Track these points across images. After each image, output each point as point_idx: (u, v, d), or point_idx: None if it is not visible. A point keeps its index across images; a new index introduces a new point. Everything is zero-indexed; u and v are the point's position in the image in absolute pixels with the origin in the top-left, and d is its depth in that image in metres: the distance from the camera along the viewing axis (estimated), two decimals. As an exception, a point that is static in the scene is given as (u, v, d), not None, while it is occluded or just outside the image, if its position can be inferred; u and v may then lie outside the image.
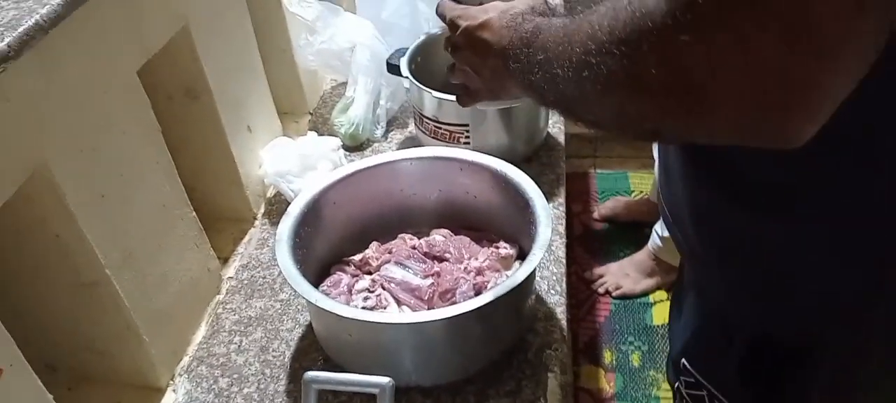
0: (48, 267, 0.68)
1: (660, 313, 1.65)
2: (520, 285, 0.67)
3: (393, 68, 1.04)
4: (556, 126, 1.12)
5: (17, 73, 0.56)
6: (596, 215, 1.83)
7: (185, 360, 0.81)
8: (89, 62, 0.66)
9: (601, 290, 1.68)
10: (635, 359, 1.56)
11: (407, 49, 1.04)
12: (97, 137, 0.68)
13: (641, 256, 1.68)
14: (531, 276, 0.71)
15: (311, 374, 0.58)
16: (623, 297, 1.68)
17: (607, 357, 1.57)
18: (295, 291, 0.69)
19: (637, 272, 1.68)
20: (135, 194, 0.74)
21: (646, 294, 1.68)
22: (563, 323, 0.81)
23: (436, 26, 1.10)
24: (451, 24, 0.62)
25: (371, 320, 0.65)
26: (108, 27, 0.68)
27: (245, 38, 0.98)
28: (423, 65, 1.05)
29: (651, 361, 1.56)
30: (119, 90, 0.71)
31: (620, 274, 1.70)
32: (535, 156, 1.05)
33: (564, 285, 0.86)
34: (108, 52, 0.69)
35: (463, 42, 0.60)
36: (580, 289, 1.70)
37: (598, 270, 1.72)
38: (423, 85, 0.98)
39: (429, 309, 0.75)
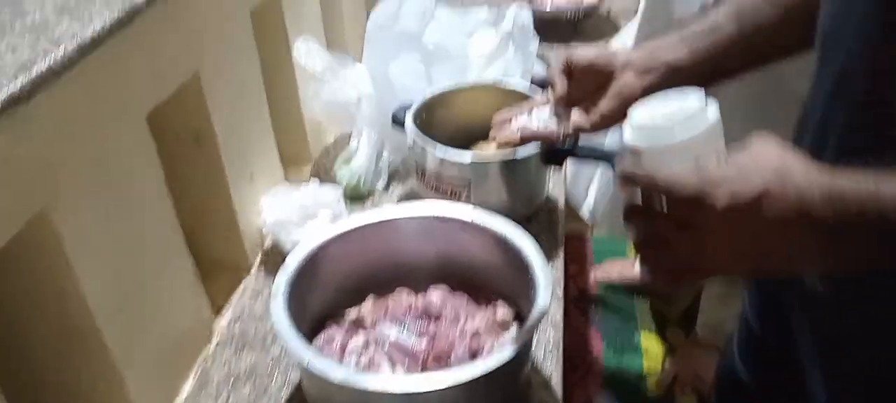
0: (38, 311, 0.66)
1: (654, 382, 1.63)
2: (515, 356, 0.66)
3: (398, 122, 1.05)
4: (556, 187, 1.12)
5: (26, 116, 0.56)
6: (596, 277, 1.82)
7: (171, 413, 0.79)
8: (100, 107, 0.66)
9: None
10: (628, 427, 1.54)
11: (412, 104, 1.05)
12: (101, 182, 0.67)
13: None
14: (528, 345, 0.70)
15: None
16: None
17: (600, 423, 1.54)
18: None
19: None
20: (134, 240, 0.73)
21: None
22: (559, 392, 0.80)
23: (441, 84, 1.11)
24: (691, 200, 0.46)
25: (361, 386, 0.63)
26: (121, 72, 0.69)
27: (254, 86, 0.99)
28: (428, 120, 1.06)
29: (644, 429, 1.53)
30: (127, 135, 0.71)
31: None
32: (534, 216, 1.05)
33: (560, 352, 0.85)
34: (119, 97, 0.69)
35: (723, 220, 0.46)
36: (574, 354, 1.68)
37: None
38: (427, 139, 0.98)
39: (423, 371, 0.74)
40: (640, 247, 0.51)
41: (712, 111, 0.50)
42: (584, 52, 0.71)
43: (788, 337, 0.67)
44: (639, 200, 0.50)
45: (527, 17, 1.16)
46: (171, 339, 0.80)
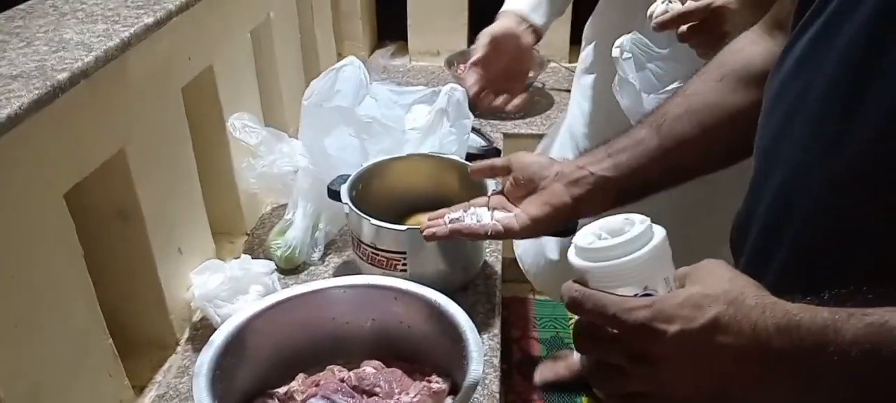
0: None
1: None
2: (447, 426, 0.65)
3: (333, 194, 1.05)
4: (492, 254, 1.14)
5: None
6: (537, 380, 1.71)
7: None
8: (13, 187, 0.64)
9: (538, 379, 1.66)
10: None
11: (348, 176, 1.06)
12: (15, 261, 0.65)
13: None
14: (460, 416, 0.69)
15: None
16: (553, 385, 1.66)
17: None
18: (211, 429, 0.65)
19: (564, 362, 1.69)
20: (51, 321, 0.70)
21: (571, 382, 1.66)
22: (495, 463, 0.79)
23: (376, 156, 1.13)
24: (642, 329, 0.45)
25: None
26: (38, 151, 0.67)
27: (184, 161, 0.98)
28: (364, 192, 1.07)
29: None
30: (44, 214, 0.69)
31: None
32: (471, 284, 1.06)
33: (497, 421, 0.85)
34: (35, 176, 0.67)
35: (676, 350, 0.44)
36: (518, 419, 1.66)
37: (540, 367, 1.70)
38: (363, 212, 0.99)
39: (355, 448, 0.72)
40: (593, 373, 0.49)
41: (658, 232, 0.49)
42: (523, 156, 0.74)
43: None
44: (588, 323, 0.49)
45: (461, 95, 1.19)
46: (88, 426, 0.76)
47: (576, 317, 0.50)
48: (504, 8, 1.07)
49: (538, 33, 1.05)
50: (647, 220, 0.49)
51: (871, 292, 0.42)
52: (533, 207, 0.70)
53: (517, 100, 1.04)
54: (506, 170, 0.74)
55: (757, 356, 0.43)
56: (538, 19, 1.04)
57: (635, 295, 0.47)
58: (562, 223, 0.73)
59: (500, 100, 0.97)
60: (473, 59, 0.95)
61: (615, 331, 0.47)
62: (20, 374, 0.65)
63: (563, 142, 1.31)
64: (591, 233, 0.51)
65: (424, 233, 0.73)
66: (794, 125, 0.52)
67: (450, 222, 0.73)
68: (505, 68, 1.04)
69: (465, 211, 0.74)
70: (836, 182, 0.49)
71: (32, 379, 0.67)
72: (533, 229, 0.70)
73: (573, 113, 1.31)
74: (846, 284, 0.44)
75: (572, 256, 0.51)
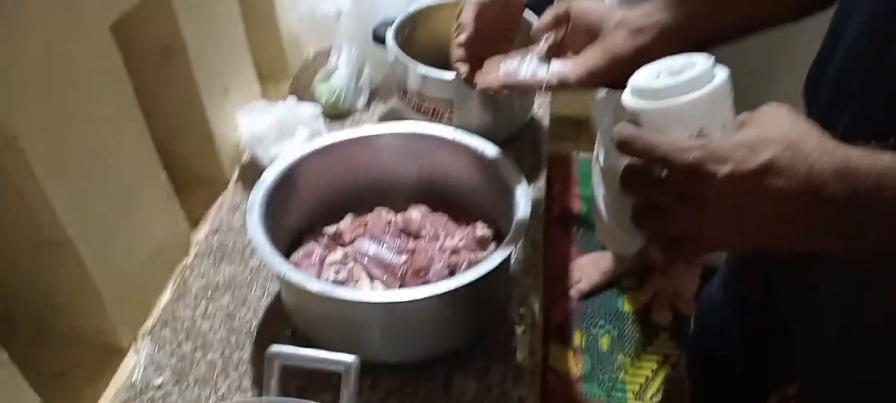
0: (9, 223, 0.65)
1: (631, 298, 1.66)
2: (493, 270, 0.66)
3: (379, 38, 1.02)
4: (541, 107, 1.11)
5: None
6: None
7: (149, 322, 0.79)
8: (59, 17, 0.63)
9: (576, 296, 1.67)
10: (604, 343, 1.58)
11: (394, 19, 1.02)
12: (65, 95, 0.65)
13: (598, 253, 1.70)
14: (506, 261, 0.70)
15: (274, 349, 0.57)
16: (589, 295, 1.68)
17: (577, 338, 1.59)
18: (265, 261, 0.68)
19: (596, 266, 1.70)
20: (103, 155, 0.71)
21: (607, 286, 1.68)
22: (536, 307, 0.81)
23: (422, 0, 1.08)
24: (691, 170, 0.43)
25: (340, 296, 0.64)
26: (80, -23, 0.65)
27: (226, -3, 0.95)
28: (409, 37, 1.03)
29: (620, 345, 1.57)
30: (90, 46, 0.68)
31: (589, 268, 1.71)
32: (518, 136, 1.04)
33: (540, 269, 0.86)
34: (79, 7, 0.66)
35: (726, 192, 0.43)
36: (555, 271, 1.71)
37: (574, 274, 1.71)
38: (409, 58, 0.96)
39: (401, 286, 0.75)
40: (637, 213, 0.48)
41: (720, 73, 0.46)
42: (582, 3, 0.67)
43: (773, 295, 0.67)
44: (637, 165, 0.47)
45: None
46: (147, 252, 0.80)
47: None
48: None
49: None
50: (711, 60, 0.46)
51: None
52: (591, 57, 0.65)
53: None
54: (566, 19, 0.68)
55: (808, 200, 0.41)
56: None
57: (689, 138, 0.45)
58: (621, 76, 0.69)
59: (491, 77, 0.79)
60: (461, 37, 0.76)
61: (665, 172, 0.45)
62: (78, 204, 0.67)
63: None
64: (649, 73, 0.48)
65: (478, 85, 0.69)
66: None
67: (503, 74, 0.69)
68: (493, 33, 0.80)
69: (521, 57, 0.69)
70: None
71: (92, 207, 0.69)
72: (589, 81, 0.66)
73: None
74: None
75: (627, 97, 0.48)
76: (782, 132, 0.43)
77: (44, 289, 0.71)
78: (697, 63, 0.46)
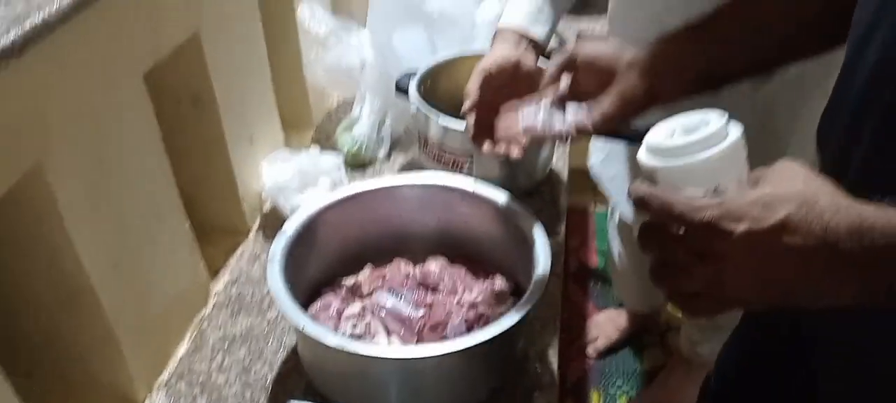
0: (33, 269, 0.66)
1: (650, 357, 1.63)
2: (512, 327, 0.66)
3: (401, 89, 1.03)
4: (559, 161, 1.11)
5: (19, 70, 0.54)
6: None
7: (165, 375, 0.79)
8: (95, 63, 0.65)
9: (593, 354, 1.64)
10: None
11: (416, 71, 1.04)
12: (96, 141, 0.66)
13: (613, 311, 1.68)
14: (524, 318, 0.69)
15: (292, 403, 0.56)
16: (606, 352, 1.64)
17: (595, 399, 1.55)
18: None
19: (613, 323, 1.67)
20: (130, 201, 0.72)
21: (624, 344, 1.65)
22: (554, 366, 0.79)
23: (446, 52, 1.10)
24: (708, 228, 0.44)
25: (357, 351, 0.63)
26: (117, 29, 0.67)
27: (256, 49, 0.97)
28: (432, 89, 1.04)
29: (639, 405, 1.53)
30: (124, 94, 0.70)
31: (606, 325, 1.68)
32: (537, 189, 1.04)
33: (557, 326, 0.85)
34: (115, 55, 0.68)
35: (742, 250, 0.43)
36: (572, 328, 1.68)
37: (591, 331, 1.68)
38: (431, 108, 0.97)
39: (418, 341, 0.74)
40: (655, 271, 0.48)
41: (734, 131, 0.46)
42: (590, 48, 0.68)
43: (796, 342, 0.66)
44: (654, 222, 0.47)
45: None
46: (167, 301, 0.80)
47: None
48: (500, 23, 0.87)
49: (540, 48, 0.86)
50: (725, 116, 0.47)
51: None
52: (606, 103, 0.65)
53: (517, 150, 0.78)
54: (573, 65, 0.68)
55: (824, 257, 0.42)
56: (539, 31, 0.85)
57: (705, 195, 0.45)
58: (636, 119, 0.69)
59: (502, 148, 0.76)
60: (466, 104, 0.76)
61: (682, 231, 0.45)
62: (102, 250, 0.68)
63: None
64: (664, 131, 0.48)
65: (498, 136, 0.69)
66: (890, 8, 0.48)
67: (523, 129, 0.69)
68: (507, 99, 0.82)
69: (537, 103, 0.69)
70: None
71: (115, 255, 0.70)
72: (605, 126, 0.66)
73: None
74: None
75: (642, 155, 0.49)
76: (796, 189, 0.43)
77: (63, 338, 0.71)
78: (711, 120, 0.47)
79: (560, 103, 0.68)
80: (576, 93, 0.69)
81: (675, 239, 0.46)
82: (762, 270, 0.44)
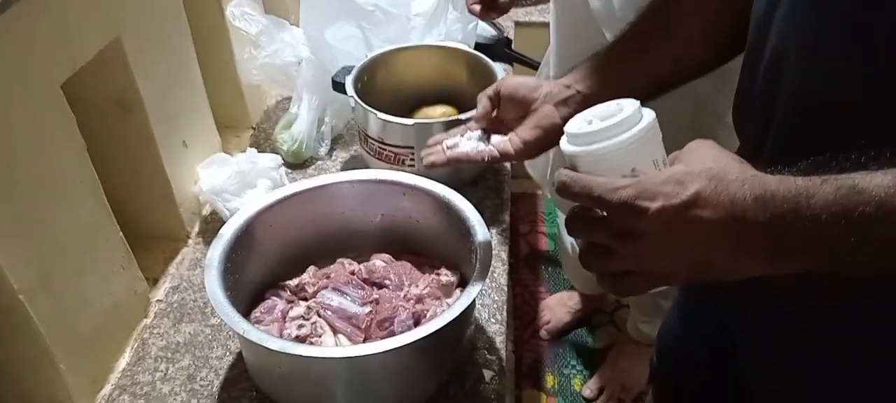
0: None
1: (601, 336, 1.67)
2: (457, 317, 0.66)
3: (338, 86, 1.02)
4: (502, 149, 1.12)
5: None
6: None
7: (107, 388, 0.76)
8: (8, 74, 0.62)
9: (546, 336, 1.67)
10: (577, 383, 1.57)
11: (353, 67, 1.03)
12: (14, 153, 0.63)
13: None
14: (470, 307, 0.70)
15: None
16: (559, 334, 1.68)
17: (549, 381, 1.58)
18: (224, 319, 0.66)
19: (564, 306, 1.70)
20: (55, 213, 0.69)
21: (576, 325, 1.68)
22: (503, 352, 0.80)
23: (380, 46, 1.09)
24: (625, 207, 0.46)
25: (302, 353, 0.62)
26: (31, 39, 0.65)
27: (183, 50, 0.94)
28: (369, 84, 1.04)
29: (592, 384, 1.57)
30: (41, 104, 0.67)
31: (557, 308, 1.71)
32: (480, 178, 1.05)
33: (505, 313, 0.86)
34: (30, 65, 0.65)
35: (658, 226, 0.46)
36: (525, 312, 1.70)
37: (543, 314, 1.71)
38: (369, 105, 0.96)
39: (365, 338, 0.73)
40: (583, 254, 0.51)
41: (647, 115, 0.49)
42: (511, 82, 0.73)
43: (722, 306, 0.69)
44: (578, 208, 0.50)
45: (468, -23, 1.13)
46: (103, 313, 0.77)
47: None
48: None
49: None
50: (636, 103, 0.50)
51: (847, 160, 0.43)
52: (525, 130, 0.71)
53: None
54: (497, 98, 0.73)
55: (734, 227, 0.44)
56: None
57: (623, 177, 0.48)
58: (554, 142, 0.73)
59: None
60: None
61: (603, 213, 0.48)
62: (30, 266, 0.65)
63: (552, 61, 1.26)
64: (582, 120, 0.51)
65: (424, 163, 0.72)
66: None
67: (448, 149, 0.73)
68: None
69: (461, 135, 0.74)
70: (820, 50, 0.49)
71: (43, 271, 0.67)
72: (527, 152, 0.72)
73: (553, 26, 1.24)
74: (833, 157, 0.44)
75: (563, 143, 0.52)
76: (705, 166, 0.46)
77: (1, 363, 0.68)
78: (625, 107, 0.49)
79: (484, 132, 0.74)
80: (500, 122, 0.74)
81: (598, 222, 0.49)
82: (678, 244, 0.46)
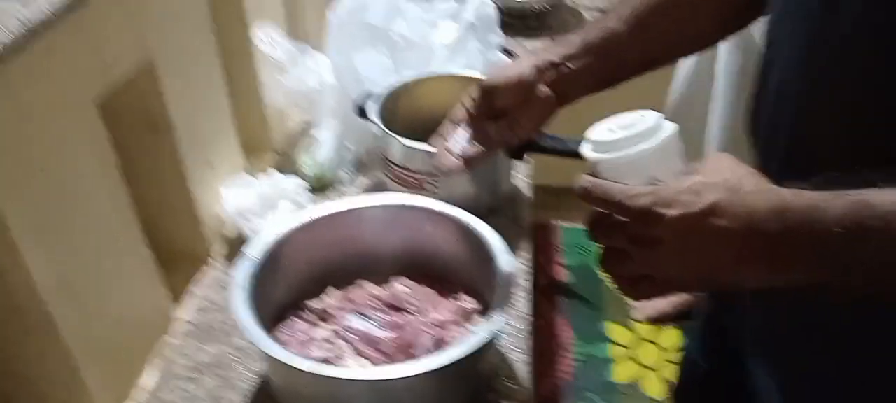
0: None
1: (621, 371, 1.65)
2: (480, 346, 0.66)
3: (361, 112, 1.03)
4: (520, 177, 1.12)
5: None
6: (637, 317, 1.71)
7: (130, 406, 0.77)
8: (45, 90, 0.64)
9: (640, 319, 1.68)
10: (594, 415, 1.55)
11: (376, 94, 1.04)
12: (48, 167, 0.65)
13: None
14: (492, 335, 0.70)
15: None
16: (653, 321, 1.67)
17: (567, 411, 1.56)
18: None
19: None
20: (86, 229, 0.70)
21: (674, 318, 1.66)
22: (525, 381, 0.80)
23: (404, 74, 1.10)
24: (642, 213, 0.47)
25: (328, 375, 0.62)
26: (67, 58, 0.66)
27: (212, 74, 0.96)
28: (393, 110, 1.05)
29: (610, 417, 1.55)
30: (75, 120, 0.69)
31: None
32: (500, 207, 1.05)
33: (527, 341, 0.85)
34: (65, 83, 0.66)
35: (674, 233, 0.47)
36: (543, 342, 1.69)
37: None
38: (392, 131, 0.97)
39: (388, 362, 0.73)
40: (602, 259, 0.52)
41: (668, 127, 0.51)
42: (499, 72, 0.75)
43: (739, 331, 0.68)
44: (598, 213, 0.52)
45: (489, 8, 1.15)
46: (128, 328, 0.78)
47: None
48: None
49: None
50: (658, 116, 0.52)
51: (861, 175, 0.44)
52: (522, 117, 0.74)
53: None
54: (487, 99, 0.76)
55: (749, 237, 0.45)
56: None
57: (643, 185, 0.50)
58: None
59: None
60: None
61: (622, 219, 0.49)
62: (61, 281, 0.66)
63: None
64: (604, 128, 0.53)
65: (439, 167, 0.77)
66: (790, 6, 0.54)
67: (461, 154, 0.77)
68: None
69: (455, 131, 0.77)
70: (822, 69, 0.51)
71: (74, 286, 0.68)
72: (524, 135, 0.75)
73: None
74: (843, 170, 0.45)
75: (585, 149, 0.54)
76: (723, 177, 0.48)
77: (22, 371, 0.69)
78: (647, 117, 0.52)
79: (478, 127, 0.77)
80: (496, 114, 0.76)
81: (616, 227, 0.50)
82: (693, 252, 0.47)
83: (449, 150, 0.77)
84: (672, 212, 0.46)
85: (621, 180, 0.50)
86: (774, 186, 0.47)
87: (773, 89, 0.57)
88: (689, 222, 0.46)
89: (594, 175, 0.52)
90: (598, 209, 0.51)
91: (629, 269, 0.51)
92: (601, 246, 0.52)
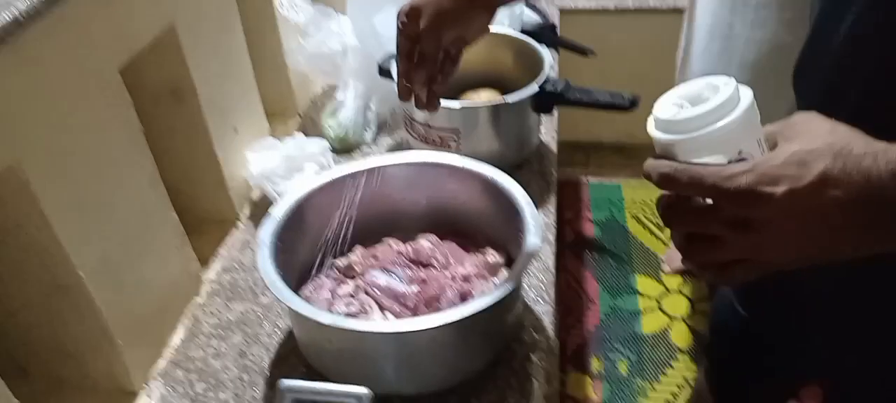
0: (21, 268, 0.66)
1: (649, 322, 1.64)
2: (506, 296, 0.66)
3: (384, 72, 1.03)
4: (548, 133, 1.11)
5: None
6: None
7: (161, 364, 0.79)
8: (68, 59, 0.65)
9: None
10: (623, 368, 1.55)
11: (398, 53, 1.03)
12: (75, 137, 0.66)
13: None
14: (517, 286, 0.70)
15: (286, 383, 0.57)
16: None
17: (595, 365, 1.56)
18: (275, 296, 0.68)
19: None
20: (114, 196, 0.72)
21: None
22: (551, 332, 0.80)
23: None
24: (745, 194, 0.42)
25: (352, 328, 0.63)
26: (89, 24, 0.67)
27: (234, 39, 0.97)
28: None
29: (638, 370, 1.54)
30: (100, 89, 0.70)
31: None
32: (526, 162, 1.04)
33: (553, 293, 0.85)
34: (89, 50, 0.67)
35: (784, 212, 0.42)
36: (570, 296, 1.69)
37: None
38: (414, 89, 0.96)
39: (413, 316, 0.74)
40: (683, 246, 0.47)
41: (745, 93, 0.45)
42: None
43: (789, 281, 0.67)
44: (673, 198, 0.46)
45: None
46: (159, 292, 0.80)
47: (659, 193, 0.47)
48: None
49: None
50: (733, 81, 0.45)
51: None
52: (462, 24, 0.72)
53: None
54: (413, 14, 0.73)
55: (870, 205, 0.41)
56: None
57: (729, 162, 0.44)
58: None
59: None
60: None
61: (709, 201, 0.44)
62: (90, 246, 0.68)
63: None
64: (670, 104, 0.47)
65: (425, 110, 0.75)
66: None
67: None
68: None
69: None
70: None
71: (101, 251, 0.70)
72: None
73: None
74: None
75: (654, 131, 0.47)
76: (825, 141, 0.42)
77: (56, 335, 0.71)
78: (721, 87, 0.45)
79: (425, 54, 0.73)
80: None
81: (703, 212, 0.45)
82: (805, 229, 0.42)
83: (414, 92, 0.74)
84: (779, 190, 0.41)
85: (701, 158, 0.44)
86: (890, 145, 0.42)
87: (843, 35, 0.52)
88: (800, 198, 0.41)
89: (667, 156, 0.46)
90: (672, 192, 0.46)
91: (722, 255, 0.45)
92: (682, 232, 0.47)
